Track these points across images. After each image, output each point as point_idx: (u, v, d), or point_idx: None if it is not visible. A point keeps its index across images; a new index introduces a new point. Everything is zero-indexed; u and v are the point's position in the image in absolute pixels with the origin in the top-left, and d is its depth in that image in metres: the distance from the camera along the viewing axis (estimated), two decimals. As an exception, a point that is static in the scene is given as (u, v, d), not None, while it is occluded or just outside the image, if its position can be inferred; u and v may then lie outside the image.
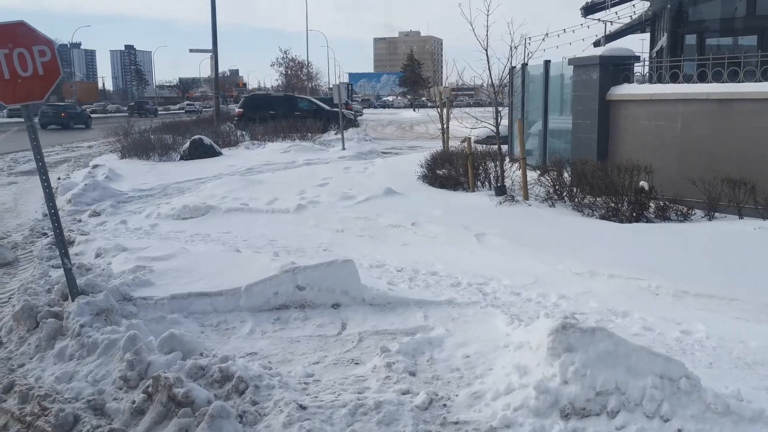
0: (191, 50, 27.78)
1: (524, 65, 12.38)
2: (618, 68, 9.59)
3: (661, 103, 8.97)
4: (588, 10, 13.83)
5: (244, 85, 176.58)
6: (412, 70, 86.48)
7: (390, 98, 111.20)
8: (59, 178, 14.62)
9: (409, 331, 4.94)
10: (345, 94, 18.35)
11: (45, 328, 4.76)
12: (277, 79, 65.82)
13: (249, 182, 11.79)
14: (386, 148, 20.85)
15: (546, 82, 11.92)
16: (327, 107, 28.21)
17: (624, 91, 9.42)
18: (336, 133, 23.17)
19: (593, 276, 5.98)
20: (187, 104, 79.67)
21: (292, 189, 10.95)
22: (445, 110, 14.44)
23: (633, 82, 9.56)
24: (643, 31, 16.27)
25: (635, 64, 9.71)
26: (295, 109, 26.25)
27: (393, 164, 14.46)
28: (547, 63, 12.01)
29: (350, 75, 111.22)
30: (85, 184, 11.17)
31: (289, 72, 60.71)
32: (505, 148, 14.59)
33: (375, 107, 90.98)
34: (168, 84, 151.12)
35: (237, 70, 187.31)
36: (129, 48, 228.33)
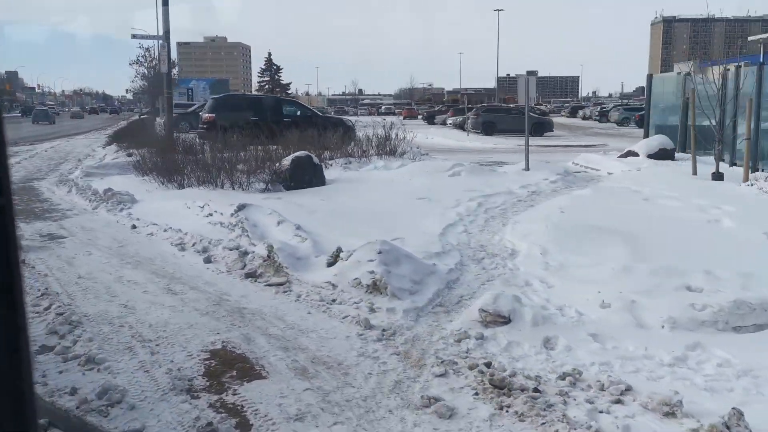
0: (134, 36, 20.38)
1: None
2: None
3: None
4: None
5: (32, 88, 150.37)
6: (271, 75, 79.90)
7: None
8: (133, 226, 8.29)
9: None
10: (534, 91, 13.67)
11: None
12: (133, 81, 55.94)
13: (597, 232, 7.05)
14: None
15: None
16: (320, 113, 22.71)
17: None
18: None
19: None
20: (110, 107, 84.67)
21: (720, 258, 6.49)
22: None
23: None
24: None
25: None
26: (283, 115, 20.51)
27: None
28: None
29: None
30: (380, 254, 5.63)
31: (152, 73, 51.88)
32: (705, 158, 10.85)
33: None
34: None
35: (16, 72, 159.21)
36: None
